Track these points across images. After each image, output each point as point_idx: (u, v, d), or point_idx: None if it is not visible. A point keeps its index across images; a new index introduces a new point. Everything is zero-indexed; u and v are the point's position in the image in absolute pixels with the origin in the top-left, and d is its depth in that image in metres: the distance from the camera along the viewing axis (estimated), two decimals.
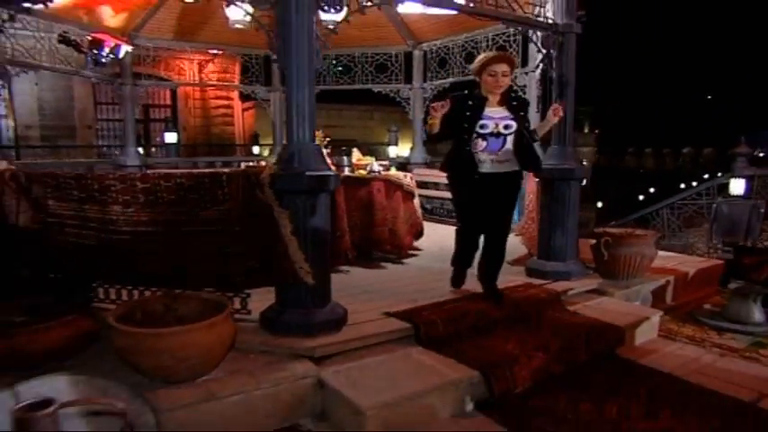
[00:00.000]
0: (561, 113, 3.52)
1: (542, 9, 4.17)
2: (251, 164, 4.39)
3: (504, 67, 3.34)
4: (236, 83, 13.54)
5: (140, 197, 3.04)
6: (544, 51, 4.18)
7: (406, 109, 7.58)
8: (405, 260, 4.86)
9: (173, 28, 7.12)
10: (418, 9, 5.59)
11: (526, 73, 6.02)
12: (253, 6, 2.93)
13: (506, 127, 3.39)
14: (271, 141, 15.45)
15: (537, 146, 3.79)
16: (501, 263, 3.64)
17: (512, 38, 6.10)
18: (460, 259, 3.73)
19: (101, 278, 3.24)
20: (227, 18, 5.86)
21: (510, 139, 3.40)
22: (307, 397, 2.60)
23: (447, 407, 2.63)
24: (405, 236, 4.93)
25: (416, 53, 7.35)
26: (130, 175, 3.20)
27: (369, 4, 3.41)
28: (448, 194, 6.64)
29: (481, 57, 3.46)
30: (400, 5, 5.09)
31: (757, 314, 3.98)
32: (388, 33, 7.28)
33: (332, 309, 2.95)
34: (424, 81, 7.41)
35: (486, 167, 3.41)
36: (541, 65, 4.77)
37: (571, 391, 2.90)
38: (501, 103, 3.43)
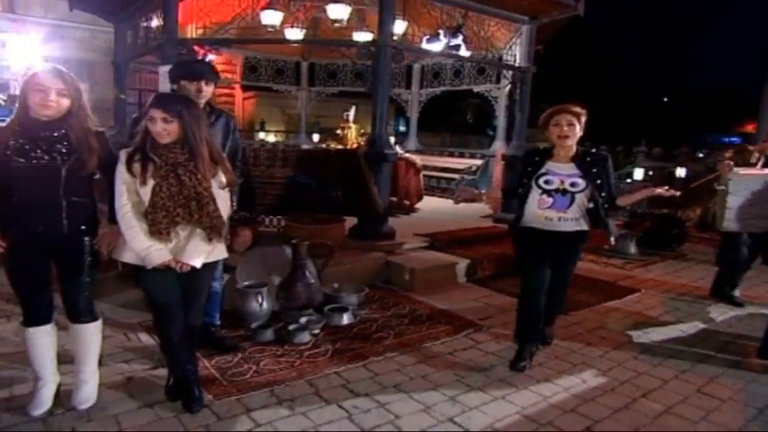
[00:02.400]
0: (664, 192, 3.24)
1: (513, 56, 6.61)
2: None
3: (568, 117, 3.16)
4: (237, 76, 15.50)
5: (279, 162, 5.32)
6: (512, 82, 6.61)
7: (406, 108, 9.93)
8: (412, 214, 7.23)
9: (231, 37, 9.23)
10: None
11: (498, 88, 8.46)
12: (358, 59, 5.23)
13: (573, 185, 3.18)
14: (276, 128, 17.53)
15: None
16: (560, 308, 3.66)
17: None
18: (521, 325, 3.42)
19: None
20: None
21: (579, 197, 3.19)
22: (380, 270, 4.95)
23: (452, 277, 5.04)
24: (412, 198, 7.32)
25: (416, 66, 9.68)
26: (274, 149, 5.43)
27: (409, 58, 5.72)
28: (440, 174, 9.12)
29: (548, 110, 3.29)
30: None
31: (632, 248, 6.53)
32: None
33: (389, 227, 5.33)
34: (421, 88, 9.77)
35: (553, 225, 3.22)
36: (509, 86, 7.27)
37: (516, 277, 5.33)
38: (573, 159, 3.22)
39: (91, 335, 2.71)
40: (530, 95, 6.72)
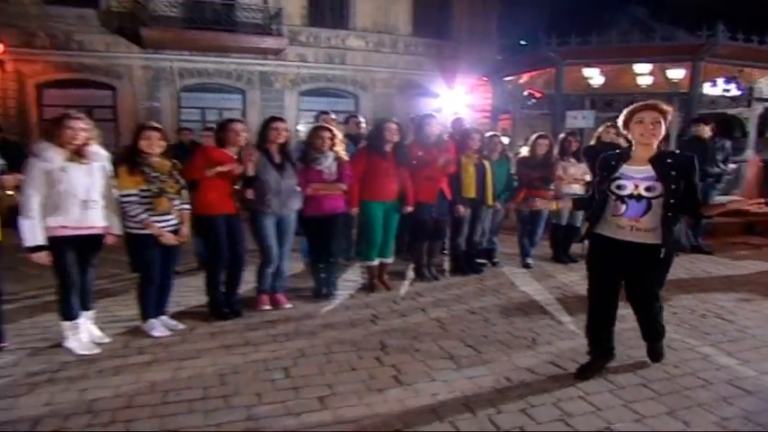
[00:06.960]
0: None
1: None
2: None
3: (654, 115, 2.86)
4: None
5: None
6: None
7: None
8: None
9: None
10: None
11: (749, 111, 11.65)
12: (671, 101, 9.31)
13: (648, 189, 2.87)
14: None
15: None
16: (654, 327, 3.21)
17: None
18: (590, 330, 3.24)
19: None
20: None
21: (657, 203, 2.87)
22: None
23: None
24: None
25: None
26: None
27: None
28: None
29: (630, 107, 3.00)
30: None
31: None
32: None
33: None
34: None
35: (624, 234, 2.95)
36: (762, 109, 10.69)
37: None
38: (650, 161, 2.89)
39: None
40: None
